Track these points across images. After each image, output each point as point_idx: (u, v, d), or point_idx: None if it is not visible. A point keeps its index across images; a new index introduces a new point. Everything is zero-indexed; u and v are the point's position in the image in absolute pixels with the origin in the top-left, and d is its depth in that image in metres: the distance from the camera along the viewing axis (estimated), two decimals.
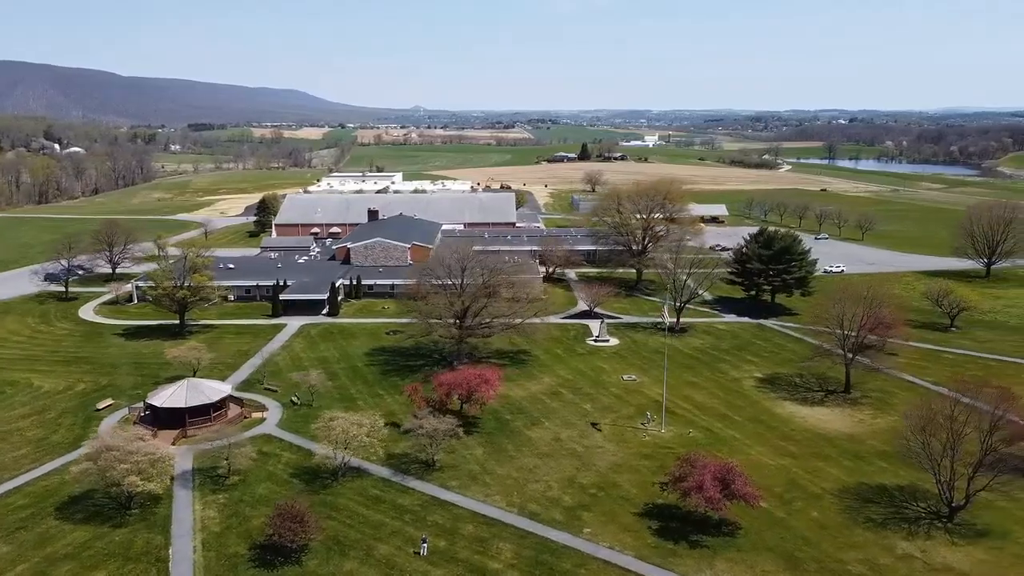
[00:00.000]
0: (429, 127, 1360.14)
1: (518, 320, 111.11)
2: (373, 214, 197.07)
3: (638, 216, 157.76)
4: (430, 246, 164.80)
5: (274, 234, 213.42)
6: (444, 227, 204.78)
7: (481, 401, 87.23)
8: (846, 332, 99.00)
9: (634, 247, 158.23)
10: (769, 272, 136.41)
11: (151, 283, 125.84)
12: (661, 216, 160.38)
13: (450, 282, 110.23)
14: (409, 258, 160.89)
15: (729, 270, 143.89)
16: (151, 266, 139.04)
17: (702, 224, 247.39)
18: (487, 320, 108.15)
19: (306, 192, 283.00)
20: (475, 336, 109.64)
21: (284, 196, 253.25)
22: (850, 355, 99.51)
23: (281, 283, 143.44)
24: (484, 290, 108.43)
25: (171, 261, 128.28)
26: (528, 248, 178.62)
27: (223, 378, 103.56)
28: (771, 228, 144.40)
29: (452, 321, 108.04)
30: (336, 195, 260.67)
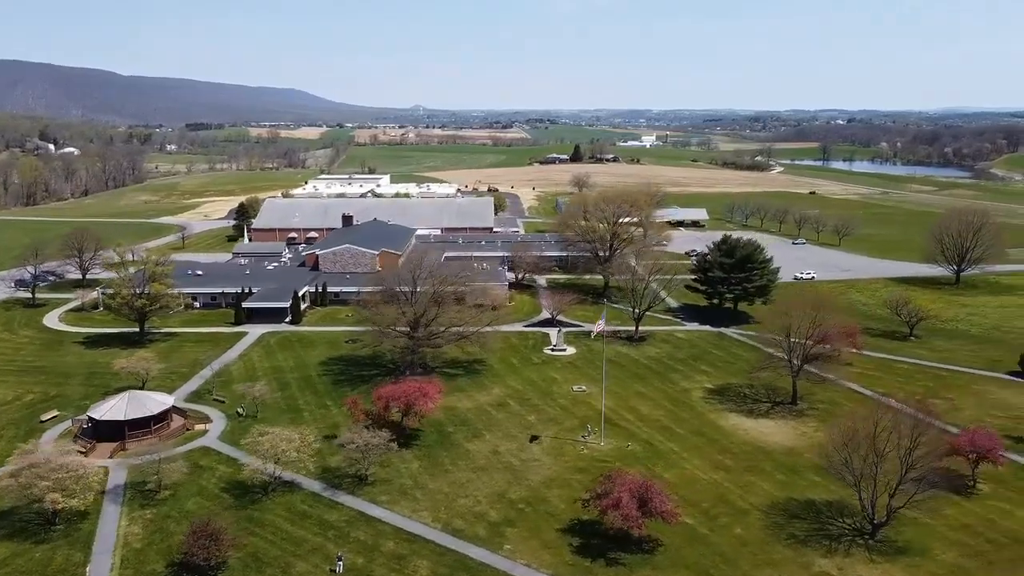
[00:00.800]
0: (427, 127, 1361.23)
1: (472, 329, 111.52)
2: (347, 219, 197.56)
3: (604, 223, 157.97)
4: (399, 252, 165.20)
5: (246, 239, 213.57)
6: (419, 232, 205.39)
7: (420, 414, 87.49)
8: (792, 342, 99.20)
9: (601, 253, 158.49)
10: (731, 280, 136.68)
11: (110, 291, 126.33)
12: (629, 221, 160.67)
13: (402, 290, 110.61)
14: (378, 265, 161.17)
15: (693, 277, 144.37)
16: (124, 271, 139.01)
17: (679, 229, 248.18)
18: (439, 330, 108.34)
19: (285, 196, 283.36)
20: (426, 346, 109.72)
21: (265, 200, 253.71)
22: (796, 362, 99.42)
23: (246, 290, 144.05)
24: (434, 299, 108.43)
25: (132, 270, 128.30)
26: (499, 254, 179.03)
27: (175, 388, 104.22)
28: (734, 236, 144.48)
29: (405, 331, 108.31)
30: (314, 200, 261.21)
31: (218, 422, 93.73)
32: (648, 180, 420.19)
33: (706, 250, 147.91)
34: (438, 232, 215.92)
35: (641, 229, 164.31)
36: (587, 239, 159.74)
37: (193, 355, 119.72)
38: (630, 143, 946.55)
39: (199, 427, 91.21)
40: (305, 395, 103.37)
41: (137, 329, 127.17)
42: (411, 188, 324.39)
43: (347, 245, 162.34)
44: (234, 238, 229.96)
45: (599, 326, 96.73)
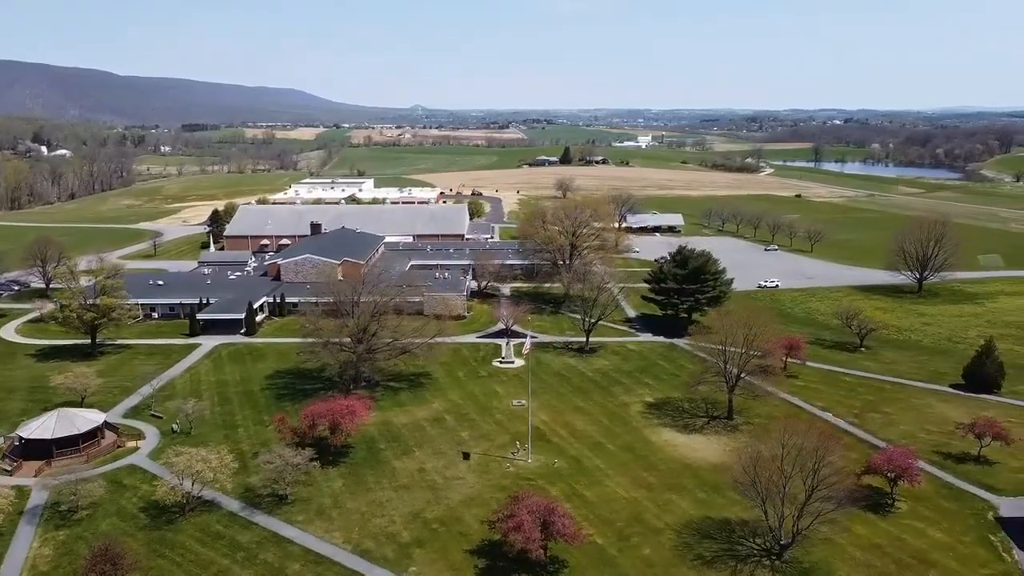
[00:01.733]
0: (424, 127, 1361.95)
1: (419, 341, 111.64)
2: (316, 227, 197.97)
3: (563, 234, 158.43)
4: (361, 262, 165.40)
5: (211, 248, 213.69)
6: (389, 239, 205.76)
7: (346, 432, 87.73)
8: (727, 355, 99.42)
9: (560, 263, 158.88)
10: (684, 291, 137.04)
11: (60, 304, 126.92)
12: (588, 231, 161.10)
13: (341, 301, 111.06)
14: (339, 275, 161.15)
15: (649, 287, 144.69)
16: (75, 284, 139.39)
17: (655, 235, 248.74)
18: (378, 344, 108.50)
19: (261, 203, 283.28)
20: (367, 361, 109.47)
21: (239, 207, 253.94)
22: (733, 370, 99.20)
23: (205, 301, 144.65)
24: (374, 313, 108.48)
25: (83, 282, 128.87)
26: (465, 262, 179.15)
27: (116, 403, 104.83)
28: (688, 247, 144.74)
29: (347, 344, 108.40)
30: (287, 206, 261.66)
31: (152, 439, 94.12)
32: (633, 183, 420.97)
33: (662, 260, 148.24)
34: (409, 239, 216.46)
35: (601, 238, 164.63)
36: (546, 248, 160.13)
37: (142, 368, 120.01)
38: (626, 144, 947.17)
39: (130, 444, 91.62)
40: (244, 410, 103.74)
41: (89, 341, 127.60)
42: (392, 192, 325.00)
43: (308, 255, 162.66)
44: (208, 245, 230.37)
45: (526, 347, 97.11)
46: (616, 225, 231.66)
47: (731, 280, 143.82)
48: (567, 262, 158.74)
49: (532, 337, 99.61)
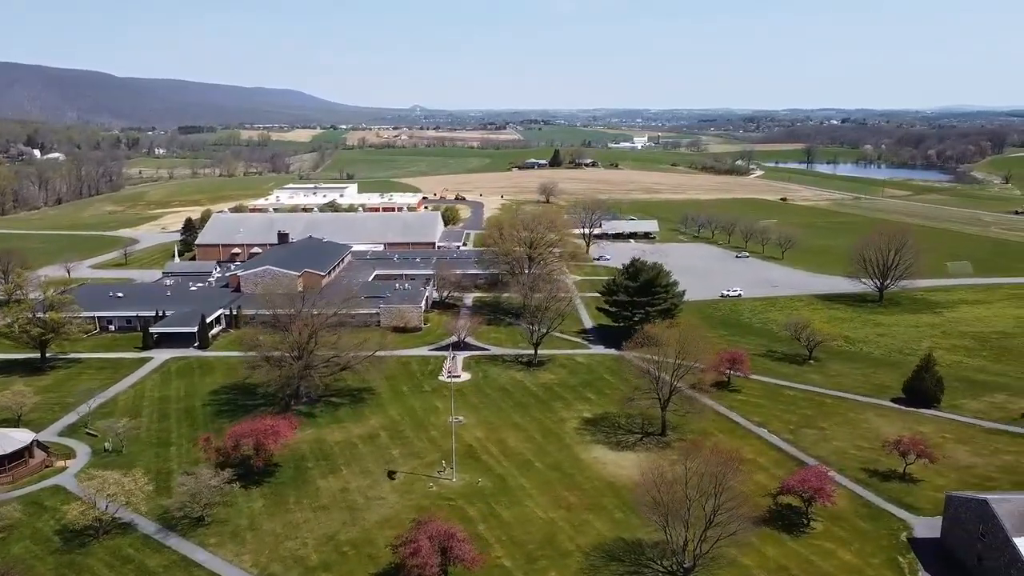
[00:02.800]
0: (422, 128, 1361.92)
1: (365, 354, 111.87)
2: (283, 237, 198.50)
3: (520, 246, 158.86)
4: (322, 273, 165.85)
5: (176, 259, 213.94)
6: (359, 248, 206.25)
7: (268, 453, 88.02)
8: (661, 367, 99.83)
9: (516, 272, 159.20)
10: (635, 303, 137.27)
11: (8, 320, 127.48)
12: (547, 240, 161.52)
13: (278, 315, 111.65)
14: (299, 286, 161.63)
15: (605, 299, 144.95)
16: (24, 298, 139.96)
17: (629, 241, 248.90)
18: (317, 360, 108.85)
19: (238, 210, 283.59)
20: (304, 377, 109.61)
21: (212, 215, 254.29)
22: (667, 380, 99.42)
23: (161, 313, 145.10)
24: (311, 328, 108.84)
25: (32, 295, 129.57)
26: (429, 272, 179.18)
27: (54, 420, 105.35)
28: (640, 260, 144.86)
29: (287, 358, 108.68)
30: (260, 214, 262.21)
31: (82, 458, 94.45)
32: (619, 187, 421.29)
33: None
34: (380, 248, 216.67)
35: (564, 245, 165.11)
36: (505, 259, 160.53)
37: (88, 383, 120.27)
38: (621, 144, 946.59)
39: (59, 464, 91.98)
40: (181, 427, 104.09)
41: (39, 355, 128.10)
42: (373, 198, 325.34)
43: (267, 267, 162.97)
44: (183, 253, 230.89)
45: (455, 368, 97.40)
46: (587, 232, 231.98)
47: (683, 292, 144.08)
48: (526, 271, 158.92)
49: (454, 356, 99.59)
